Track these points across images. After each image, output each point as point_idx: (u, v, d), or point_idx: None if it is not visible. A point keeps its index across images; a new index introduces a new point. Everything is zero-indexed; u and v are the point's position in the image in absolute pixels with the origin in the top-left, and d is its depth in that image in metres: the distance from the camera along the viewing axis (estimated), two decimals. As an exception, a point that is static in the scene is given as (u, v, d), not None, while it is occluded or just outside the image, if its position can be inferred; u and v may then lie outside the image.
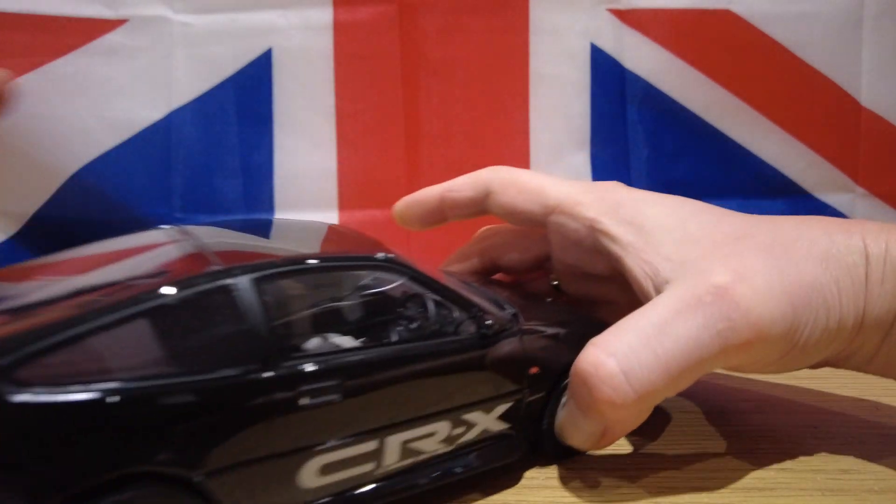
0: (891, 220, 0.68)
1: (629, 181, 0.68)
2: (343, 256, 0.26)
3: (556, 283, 0.39)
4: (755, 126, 0.67)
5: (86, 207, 0.66)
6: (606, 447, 0.29)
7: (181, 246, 0.26)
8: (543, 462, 0.29)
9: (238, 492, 0.22)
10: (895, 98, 0.67)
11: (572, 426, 0.27)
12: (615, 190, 0.34)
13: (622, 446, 0.31)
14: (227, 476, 0.21)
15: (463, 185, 0.37)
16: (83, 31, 0.65)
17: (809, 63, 0.67)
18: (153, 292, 0.22)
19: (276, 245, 0.30)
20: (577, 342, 0.27)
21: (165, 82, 0.66)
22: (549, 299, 0.37)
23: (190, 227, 0.29)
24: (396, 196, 0.70)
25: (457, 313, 0.27)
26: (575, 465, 0.29)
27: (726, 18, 0.66)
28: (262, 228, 0.34)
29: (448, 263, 0.43)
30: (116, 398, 0.20)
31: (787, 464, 0.29)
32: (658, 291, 0.29)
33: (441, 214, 0.38)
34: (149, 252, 0.27)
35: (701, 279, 0.27)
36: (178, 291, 0.22)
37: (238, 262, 0.23)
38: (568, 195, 0.34)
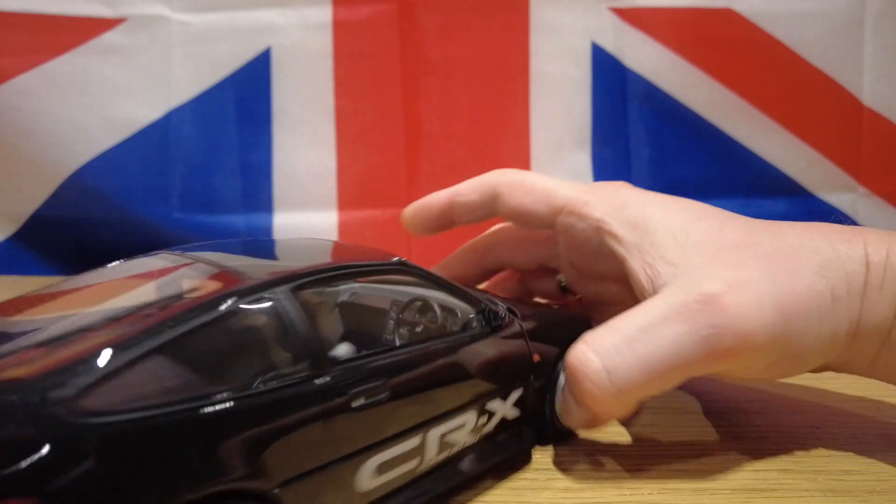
0: (892, 218, 0.68)
1: (630, 180, 0.68)
2: (362, 263, 0.26)
3: (563, 282, 0.40)
4: (757, 125, 0.67)
5: (84, 207, 0.66)
6: (602, 428, 0.30)
7: (197, 267, 0.26)
8: (545, 463, 0.29)
9: (305, 501, 0.21)
10: (897, 97, 0.67)
11: (567, 411, 0.29)
12: (621, 190, 0.34)
13: (624, 447, 0.30)
14: (297, 485, 0.21)
15: (470, 190, 0.37)
16: (82, 30, 0.65)
17: (811, 62, 0.66)
18: (200, 309, 0.21)
19: (287, 261, 0.29)
20: (565, 334, 0.30)
21: (164, 81, 0.66)
22: (530, 301, 0.37)
23: (193, 251, 0.28)
24: (396, 195, 0.70)
25: (465, 309, 0.28)
26: (576, 465, 0.29)
27: (728, 17, 0.66)
28: (262, 248, 0.34)
29: (455, 257, 0.43)
30: (191, 416, 0.19)
31: (789, 464, 0.29)
32: (655, 294, 0.29)
33: (449, 219, 0.38)
34: (167, 275, 0.26)
35: (693, 286, 0.28)
36: (226, 306, 0.21)
37: (271, 275, 0.23)
38: (575, 196, 0.34)
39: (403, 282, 0.29)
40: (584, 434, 0.32)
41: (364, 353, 0.24)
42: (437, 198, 0.38)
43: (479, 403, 0.27)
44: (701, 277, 0.28)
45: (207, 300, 0.21)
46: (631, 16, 0.67)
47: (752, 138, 0.68)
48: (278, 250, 0.31)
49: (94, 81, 0.65)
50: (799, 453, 0.30)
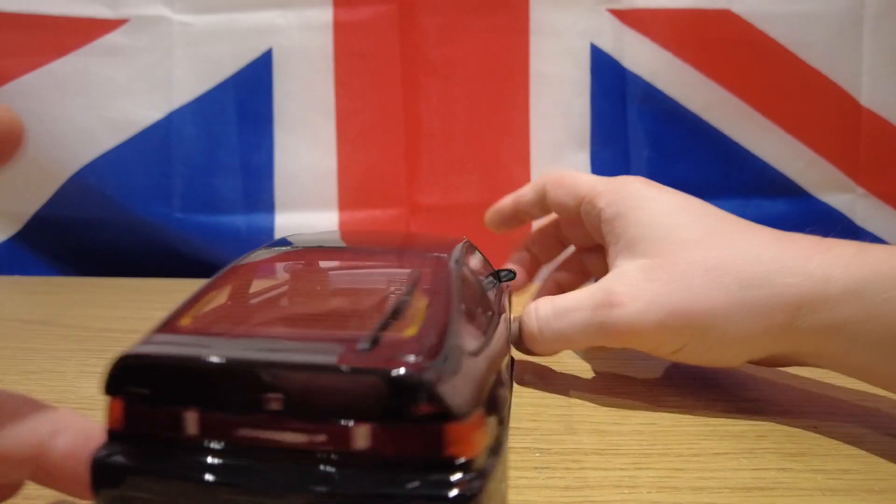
0: (891, 219, 0.68)
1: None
2: (462, 238, 0.34)
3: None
4: (755, 126, 0.67)
5: (86, 207, 0.66)
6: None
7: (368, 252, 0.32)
8: (544, 462, 0.29)
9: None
10: (895, 98, 0.67)
11: (518, 345, 0.38)
12: (630, 184, 0.38)
13: (624, 446, 0.31)
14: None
15: (528, 190, 0.43)
16: (84, 31, 0.65)
17: (809, 63, 0.67)
18: (452, 264, 0.28)
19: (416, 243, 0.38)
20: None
21: (165, 82, 0.66)
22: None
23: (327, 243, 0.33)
24: (396, 195, 0.70)
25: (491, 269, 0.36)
26: (576, 465, 0.29)
27: (726, 18, 0.66)
28: (366, 237, 0.41)
29: (531, 238, 0.48)
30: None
31: (788, 464, 0.29)
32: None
33: (518, 217, 0.45)
34: (359, 260, 0.31)
35: (612, 286, 0.34)
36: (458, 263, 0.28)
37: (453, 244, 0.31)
38: (592, 187, 0.39)
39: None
40: (584, 434, 0.32)
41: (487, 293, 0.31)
42: (506, 201, 0.45)
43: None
44: (622, 281, 0.34)
45: (453, 264, 0.28)
46: (629, 17, 0.67)
47: (750, 139, 0.68)
48: (377, 238, 0.39)
49: (95, 82, 0.65)
50: (797, 452, 0.30)
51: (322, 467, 0.19)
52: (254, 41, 0.67)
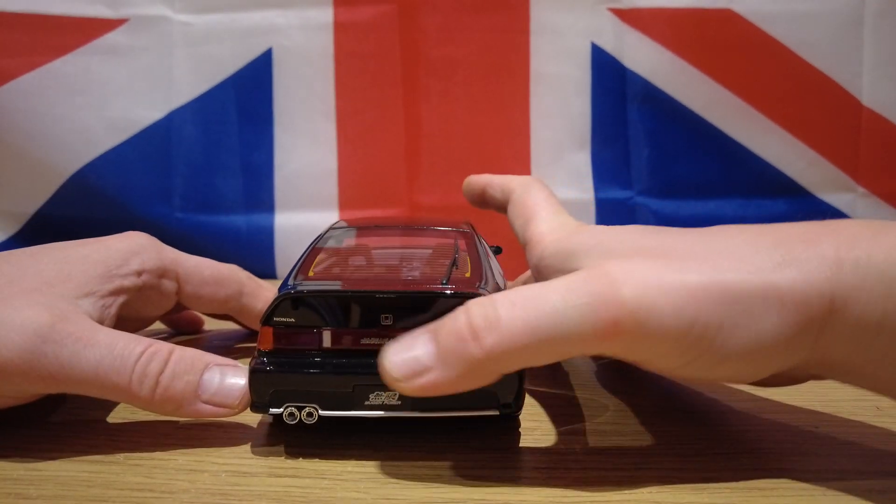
0: (892, 218, 0.68)
1: (630, 180, 0.69)
2: (466, 221, 0.42)
3: None
4: (756, 125, 0.67)
5: (86, 207, 0.66)
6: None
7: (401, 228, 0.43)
8: (545, 462, 0.29)
9: None
10: (896, 97, 0.67)
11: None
12: (581, 231, 0.33)
13: (624, 446, 0.31)
14: None
15: (497, 186, 0.41)
16: (84, 30, 0.65)
17: (810, 62, 0.67)
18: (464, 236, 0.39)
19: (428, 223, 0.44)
20: None
21: (166, 82, 0.66)
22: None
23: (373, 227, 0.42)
24: (396, 195, 0.70)
25: None
26: (576, 465, 0.29)
27: (727, 18, 0.66)
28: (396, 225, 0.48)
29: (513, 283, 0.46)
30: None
31: (788, 464, 0.29)
32: None
33: (481, 201, 0.43)
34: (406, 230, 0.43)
35: (599, 263, 0.26)
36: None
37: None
38: (540, 233, 0.34)
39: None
40: (585, 434, 0.32)
41: None
42: (479, 180, 0.43)
43: None
44: (612, 264, 0.26)
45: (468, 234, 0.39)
46: (630, 16, 0.67)
47: (751, 139, 0.68)
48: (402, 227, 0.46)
49: (95, 82, 0.65)
50: (797, 453, 0.30)
51: None
52: (254, 41, 0.67)
